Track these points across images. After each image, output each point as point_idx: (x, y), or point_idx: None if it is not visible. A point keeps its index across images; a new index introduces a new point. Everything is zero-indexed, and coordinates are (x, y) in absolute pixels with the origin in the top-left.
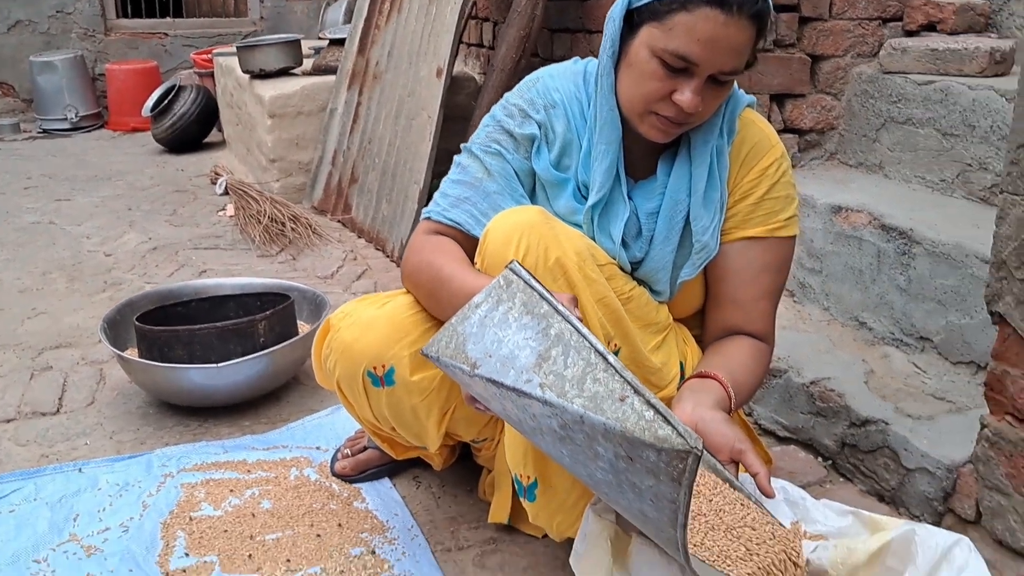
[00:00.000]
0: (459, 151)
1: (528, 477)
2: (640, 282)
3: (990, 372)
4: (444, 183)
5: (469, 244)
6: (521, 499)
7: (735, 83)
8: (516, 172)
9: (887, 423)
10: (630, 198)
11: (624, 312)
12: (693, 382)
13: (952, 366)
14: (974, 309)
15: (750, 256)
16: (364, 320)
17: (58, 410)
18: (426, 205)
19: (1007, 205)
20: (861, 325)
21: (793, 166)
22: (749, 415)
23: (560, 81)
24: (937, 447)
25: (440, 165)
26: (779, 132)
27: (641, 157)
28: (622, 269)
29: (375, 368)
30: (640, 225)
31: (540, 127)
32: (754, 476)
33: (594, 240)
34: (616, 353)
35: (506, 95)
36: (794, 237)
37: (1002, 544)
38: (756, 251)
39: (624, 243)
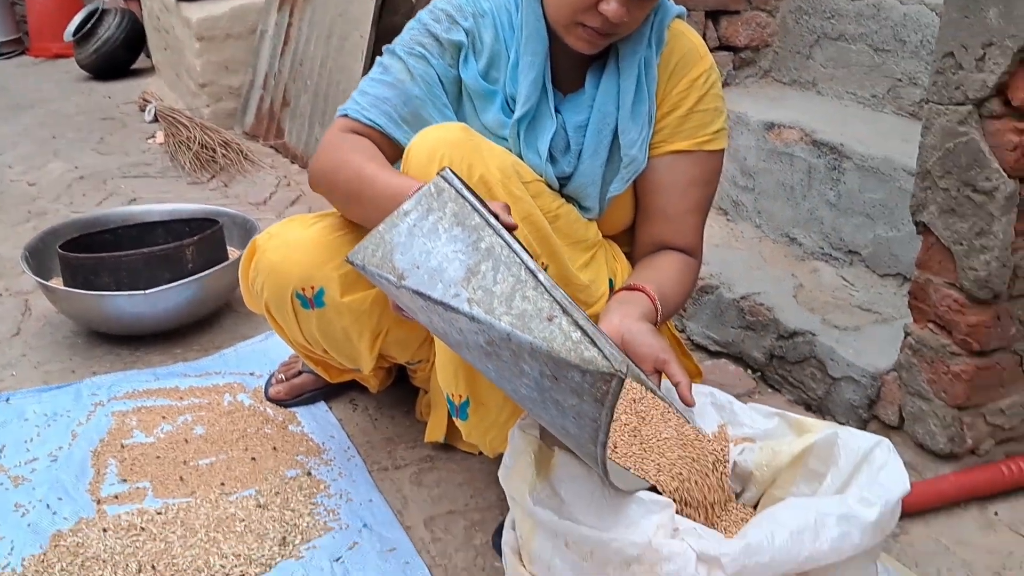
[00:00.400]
0: None
1: (460, 396)
2: (569, 199)
3: (914, 281)
4: (363, 82)
5: (387, 147)
6: (454, 418)
7: None
8: (440, 78)
9: (814, 334)
10: (558, 111)
11: (551, 230)
12: (621, 294)
13: (879, 278)
14: (901, 222)
15: (679, 170)
16: (291, 240)
17: None
18: None
19: (932, 115)
20: (792, 241)
21: (727, 84)
22: (682, 331)
23: None
24: (863, 357)
25: None
26: (714, 50)
27: (569, 70)
28: (549, 186)
29: (304, 289)
30: (568, 139)
31: (468, 35)
32: (676, 385)
33: (520, 156)
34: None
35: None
36: (723, 151)
37: (923, 447)
38: (685, 164)
39: (552, 158)
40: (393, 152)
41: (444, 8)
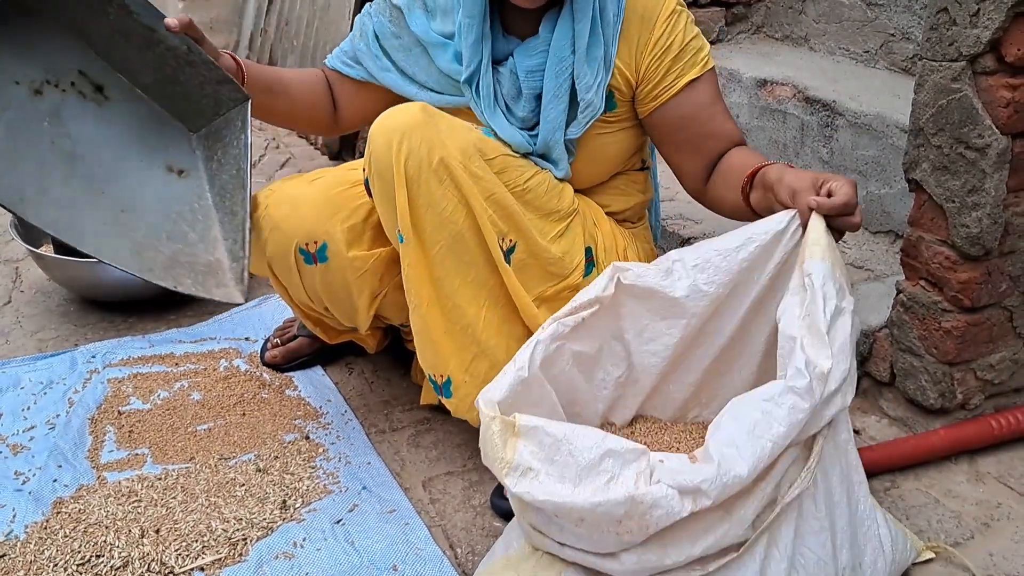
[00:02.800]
0: None
1: (441, 376)
2: (541, 155)
3: (906, 238)
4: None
5: (346, 83)
6: (439, 396)
7: None
8: (376, 34)
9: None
10: (509, 56)
11: (517, 206)
12: (757, 178)
13: (872, 236)
14: (894, 179)
15: (700, 95)
16: (294, 196)
17: None
18: None
19: (925, 71)
20: None
21: (720, 40)
22: None
23: None
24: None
25: None
26: (706, 5)
27: (523, 15)
28: (519, 153)
29: (307, 245)
30: (520, 84)
31: None
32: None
33: (483, 114)
34: (511, 250)
35: None
36: (715, 67)
37: (913, 403)
38: (700, 89)
39: (508, 109)
40: (352, 85)
41: None
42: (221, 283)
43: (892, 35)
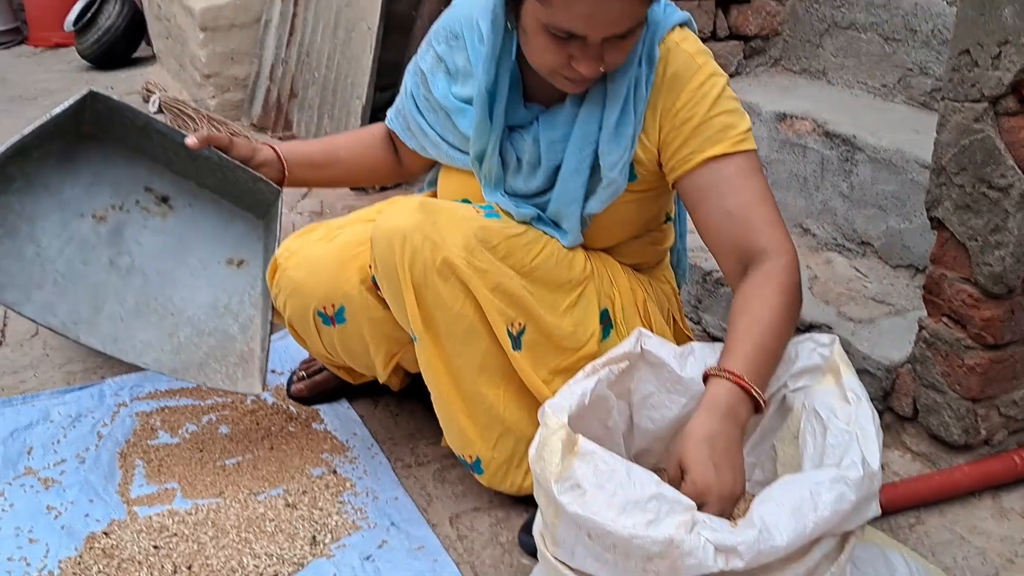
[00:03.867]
0: (401, 63)
1: (470, 456)
2: (551, 221)
3: (928, 276)
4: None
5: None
6: (471, 472)
7: (663, 1)
8: (413, 95)
9: (830, 327)
10: (536, 121)
11: (524, 289)
12: (708, 389)
13: (892, 270)
14: (913, 213)
15: (723, 172)
16: (311, 258)
17: (0, 344)
18: (369, 120)
19: (947, 112)
20: (805, 232)
21: (738, 73)
22: (698, 323)
23: (467, 9)
24: (877, 349)
25: (382, 78)
26: (724, 39)
27: (551, 85)
28: (523, 220)
29: (325, 308)
30: (540, 154)
31: (440, 60)
32: None
33: (485, 192)
34: (521, 332)
35: None
36: (755, 151)
37: (937, 438)
38: (727, 167)
39: (525, 170)
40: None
41: (435, 27)
42: (248, 373)
43: (910, 70)
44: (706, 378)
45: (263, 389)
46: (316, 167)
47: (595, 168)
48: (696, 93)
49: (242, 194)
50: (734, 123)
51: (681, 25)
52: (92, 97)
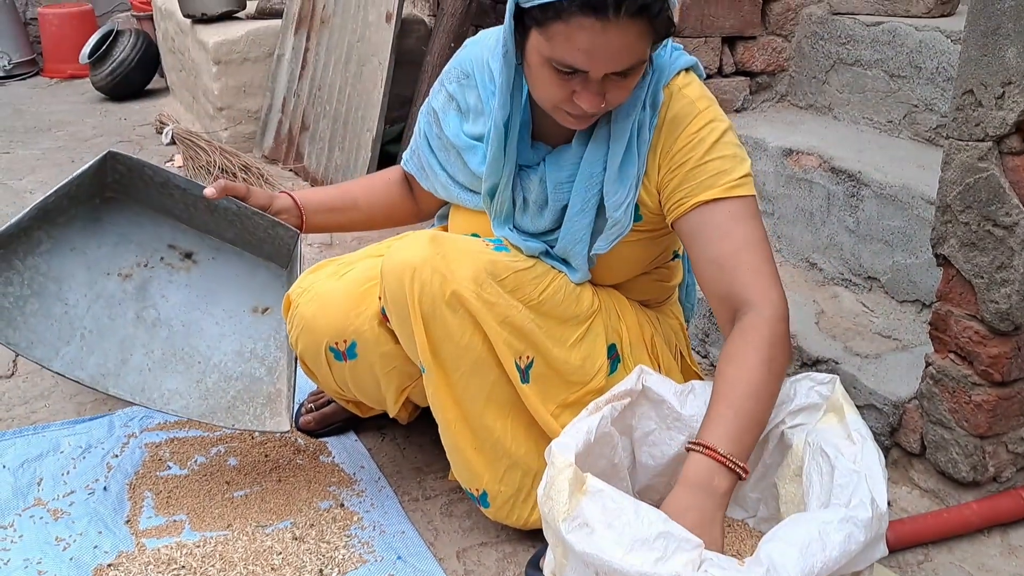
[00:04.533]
0: (411, 97)
1: (477, 490)
2: (559, 258)
3: (935, 312)
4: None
5: (414, 184)
6: (478, 506)
7: (670, 45)
8: (426, 134)
9: (837, 362)
10: (543, 161)
11: (533, 323)
12: (686, 465)
13: (898, 305)
14: (919, 249)
15: (714, 218)
16: (323, 294)
17: (12, 374)
18: (379, 152)
19: (952, 150)
20: (812, 266)
21: (744, 109)
22: (705, 357)
23: (478, 49)
24: (884, 384)
25: (392, 111)
26: (730, 75)
27: (558, 124)
28: (531, 255)
29: (337, 344)
30: (547, 195)
31: (452, 98)
32: None
33: (494, 227)
34: (529, 365)
35: None
36: (753, 197)
37: (945, 475)
38: (718, 212)
39: (532, 211)
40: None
41: (445, 69)
42: (276, 412)
43: (915, 106)
44: (688, 450)
45: (291, 427)
46: (334, 211)
47: (600, 209)
48: (693, 137)
49: (262, 242)
50: (729, 168)
51: (687, 70)
52: (112, 158)
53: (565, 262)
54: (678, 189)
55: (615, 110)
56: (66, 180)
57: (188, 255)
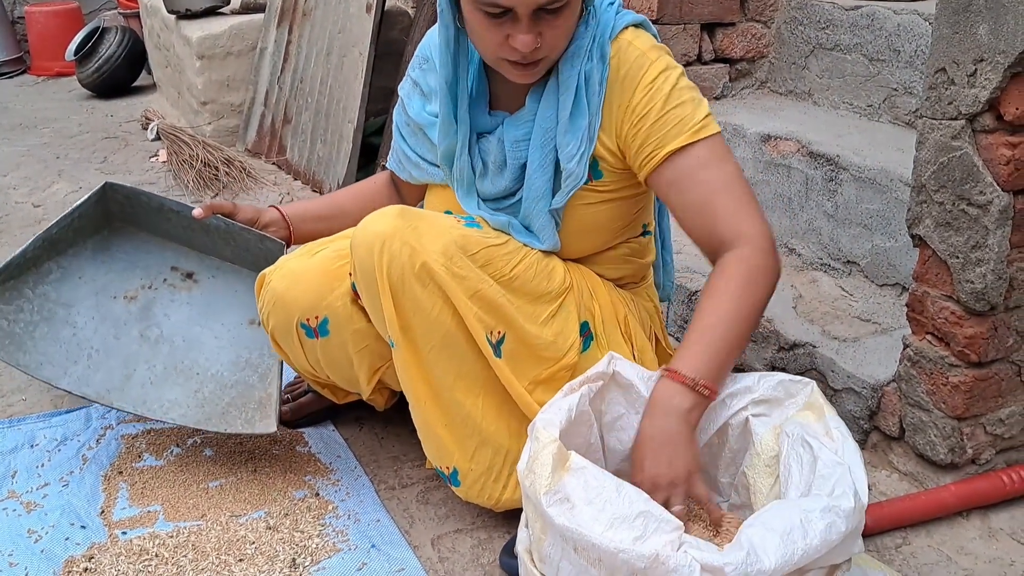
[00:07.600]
0: (393, 88)
1: (448, 468)
2: (524, 226)
3: (911, 293)
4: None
5: (398, 181)
6: (449, 485)
7: (617, 3)
8: (397, 124)
9: (815, 346)
10: (501, 125)
11: (504, 297)
12: (653, 393)
13: (878, 288)
14: (898, 232)
15: (685, 164)
16: (295, 270)
17: None
18: (360, 144)
19: (926, 129)
20: (791, 251)
21: (724, 96)
22: None
23: (435, 35)
24: (862, 367)
25: (374, 103)
26: (710, 62)
27: (512, 90)
28: (498, 227)
29: (308, 320)
30: (505, 154)
31: (416, 84)
32: None
33: (459, 197)
34: (501, 341)
35: None
36: (719, 134)
37: (923, 457)
38: (690, 157)
39: (491, 173)
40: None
41: (412, 60)
42: (266, 415)
43: (895, 90)
44: None
45: (277, 428)
46: (321, 220)
47: (559, 164)
48: (650, 87)
49: (256, 257)
50: (691, 112)
51: (636, 26)
52: (110, 188)
53: (530, 231)
54: (646, 143)
55: (561, 64)
56: (67, 211)
57: (189, 275)
